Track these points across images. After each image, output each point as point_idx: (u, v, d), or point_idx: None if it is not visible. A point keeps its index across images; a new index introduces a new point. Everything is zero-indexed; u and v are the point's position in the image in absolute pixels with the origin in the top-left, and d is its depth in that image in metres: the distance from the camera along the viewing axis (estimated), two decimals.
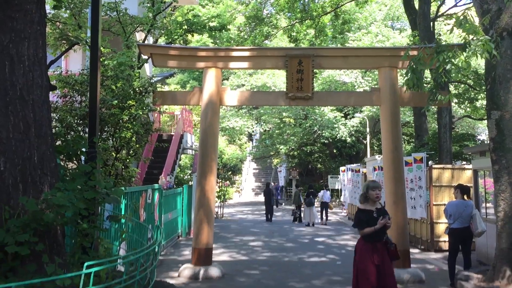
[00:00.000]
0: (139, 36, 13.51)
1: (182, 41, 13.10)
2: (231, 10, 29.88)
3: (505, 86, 7.19)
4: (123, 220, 7.77)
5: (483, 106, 17.29)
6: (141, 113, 8.31)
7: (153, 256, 4.67)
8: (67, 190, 4.48)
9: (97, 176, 5.20)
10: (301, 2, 23.38)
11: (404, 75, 8.12)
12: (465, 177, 12.14)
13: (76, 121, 8.48)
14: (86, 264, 3.51)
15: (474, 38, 6.15)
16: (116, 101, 8.19)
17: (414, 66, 6.70)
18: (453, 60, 6.38)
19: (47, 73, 5.15)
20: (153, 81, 10.41)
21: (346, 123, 28.36)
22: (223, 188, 28.37)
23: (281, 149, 31.82)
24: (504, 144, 7.18)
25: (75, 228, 4.97)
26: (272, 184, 33.57)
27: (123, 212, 8.31)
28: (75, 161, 6.58)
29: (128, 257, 4.78)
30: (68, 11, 10.25)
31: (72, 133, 8.49)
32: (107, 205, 7.20)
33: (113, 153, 8.81)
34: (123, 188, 8.12)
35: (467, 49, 6.12)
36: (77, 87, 8.63)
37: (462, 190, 8.35)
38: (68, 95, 9.02)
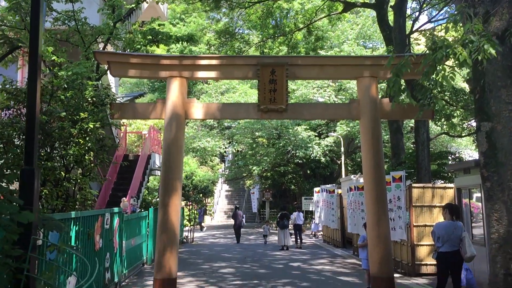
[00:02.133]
0: (101, 47, 12.58)
1: (145, 52, 12.24)
2: (201, 28, 29.22)
3: (496, 94, 6.58)
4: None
5: (460, 123, 16.90)
6: (92, 126, 7.32)
7: None
8: None
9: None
10: (273, 19, 22.92)
11: (387, 84, 7.44)
12: (447, 196, 11.50)
13: (18, 135, 7.42)
14: None
15: (476, 35, 5.50)
16: (64, 113, 7.19)
17: (399, 69, 6.00)
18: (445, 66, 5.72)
19: None
20: (115, 96, 9.46)
21: (320, 143, 27.74)
22: (194, 211, 27.25)
23: (254, 170, 30.89)
24: (496, 159, 6.52)
25: None
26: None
27: (73, 240, 7.32)
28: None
29: None
30: (16, 16, 9.27)
31: (15, 149, 7.45)
32: (51, 234, 6.24)
33: (62, 173, 7.75)
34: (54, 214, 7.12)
35: (469, 46, 5.44)
36: (20, 98, 7.59)
37: (450, 210, 7.64)
38: (12, 107, 7.97)
